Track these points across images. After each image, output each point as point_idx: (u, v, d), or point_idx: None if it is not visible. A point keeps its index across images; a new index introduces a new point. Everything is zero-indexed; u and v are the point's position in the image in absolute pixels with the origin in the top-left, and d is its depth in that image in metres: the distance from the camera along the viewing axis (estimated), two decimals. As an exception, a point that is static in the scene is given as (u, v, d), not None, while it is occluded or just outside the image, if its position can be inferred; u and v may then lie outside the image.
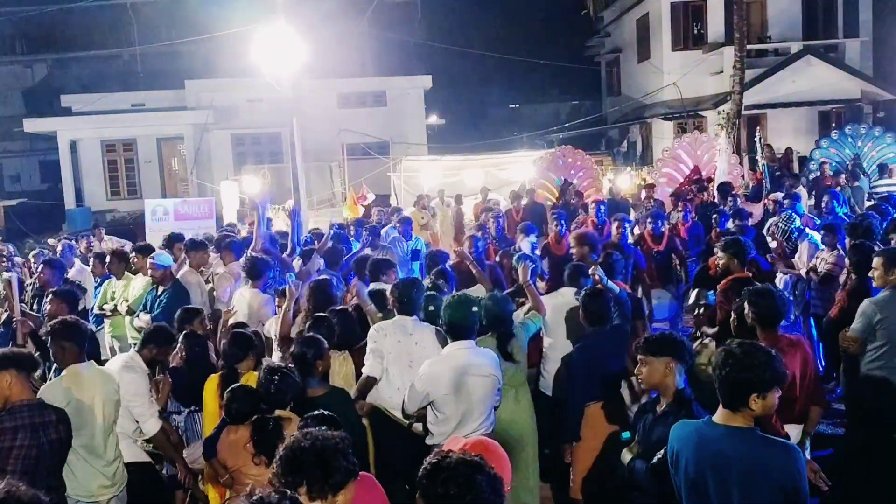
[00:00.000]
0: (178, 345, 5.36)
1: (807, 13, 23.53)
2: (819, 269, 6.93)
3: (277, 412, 3.94)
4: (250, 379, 4.47)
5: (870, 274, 5.09)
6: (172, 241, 8.54)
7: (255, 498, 2.27)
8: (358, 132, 23.06)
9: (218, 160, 23.86)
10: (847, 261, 6.00)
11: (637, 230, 9.43)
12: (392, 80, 25.36)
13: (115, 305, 7.62)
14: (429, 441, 4.30)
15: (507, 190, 16.08)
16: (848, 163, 14.62)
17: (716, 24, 23.66)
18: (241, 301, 6.72)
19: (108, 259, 8.28)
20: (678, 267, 8.80)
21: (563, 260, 8.51)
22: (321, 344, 4.40)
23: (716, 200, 12.00)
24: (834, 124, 21.40)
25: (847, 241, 6.65)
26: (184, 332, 5.49)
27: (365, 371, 4.81)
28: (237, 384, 4.31)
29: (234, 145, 24.62)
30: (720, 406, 3.07)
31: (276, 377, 3.98)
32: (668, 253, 8.62)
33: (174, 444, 4.94)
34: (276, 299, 6.44)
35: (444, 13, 33.22)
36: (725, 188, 11.99)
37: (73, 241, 10.77)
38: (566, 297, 5.52)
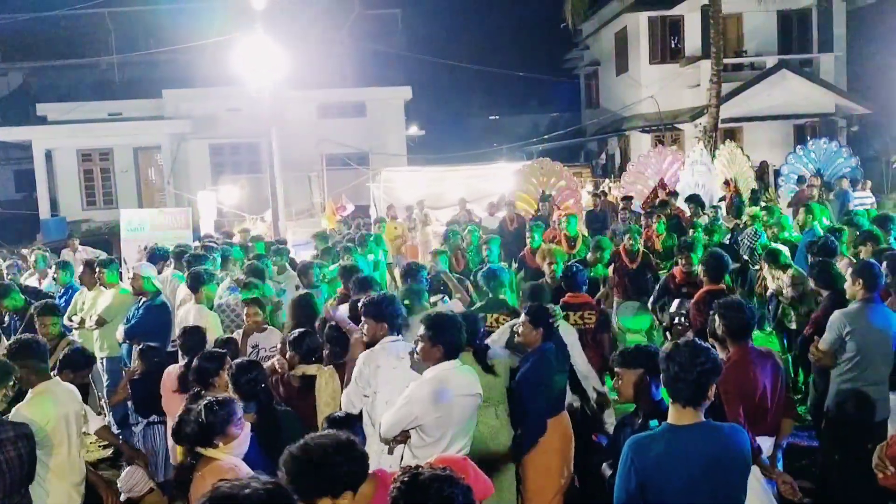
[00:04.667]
0: (136, 358, 5.32)
1: (782, 28, 23.89)
2: (784, 293, 6.99)
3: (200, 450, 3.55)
4: None
5: (845, 286, 5.13)
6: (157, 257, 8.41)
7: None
8: (338, 143, 23.02)
9: (195, 170, 23.69)
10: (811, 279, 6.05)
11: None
12: (372, 90, 25.35)
13: (83, 318, 7.53)
14: (412, 464, 4.16)
15: (486, 201, 16.10)
16: (818, 177, 14.81)
17: (693, 38, 23.94)
18: (187, 319, 6.50)
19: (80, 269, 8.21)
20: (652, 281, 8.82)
21: (539, 273, 8.54)
22: (259, 367, 4.35)
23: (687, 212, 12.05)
24: (809, 137, 21.70)
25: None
26: (141, 346, 5.43)
27: (343, 405, 4.51)
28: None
29: (212, 155, 24.46)
30: (681, 407, 3.09)
31: (212, 407, 3.54)
32: (642, 269, 8.66)
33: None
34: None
35: (424, 24, 33.37)
36: (696, 199, 12.07)
37: (47, 253, 10.59)
38: None
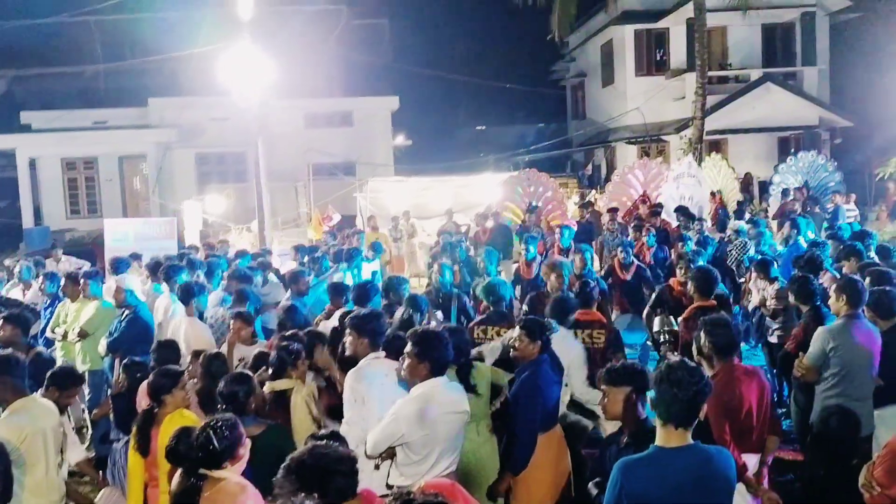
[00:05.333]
0: (119, 372, 5.24)
1: (766, 42, 24.13)
2: (768, 304, 7.04)
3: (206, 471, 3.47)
4: (175, 418, 4.29)
5: (829, 302, 5.16)
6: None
7: None
8: (324, 152, 22.96)
9: (181, 179, 23.57)
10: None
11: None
12: (359, 100, 25.35)
13: (66, 331, 7.44)
14: (399, 482, 4.08)
15: (473, 211, 16.11)
16: (803, 190, 14.92)
17: (678, 51, 24.11)
18: (178, 332, 6.44)
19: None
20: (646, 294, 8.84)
21: (533, 286, 8.54)
22: (251, 380, 4.29)
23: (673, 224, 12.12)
24: (793, 150, 21.89)
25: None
26: (126, 361, 5.36)
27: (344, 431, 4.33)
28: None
29: (197, 164, 24.36)
30: (673, 428, 3.07)
31: (222, 431, 3.46)
32: (636, 281, 8.67)
33: None
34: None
35: (412, 35, 33.38)
36: (686, 211, 12.14)
37: (32, 264, 10.46)
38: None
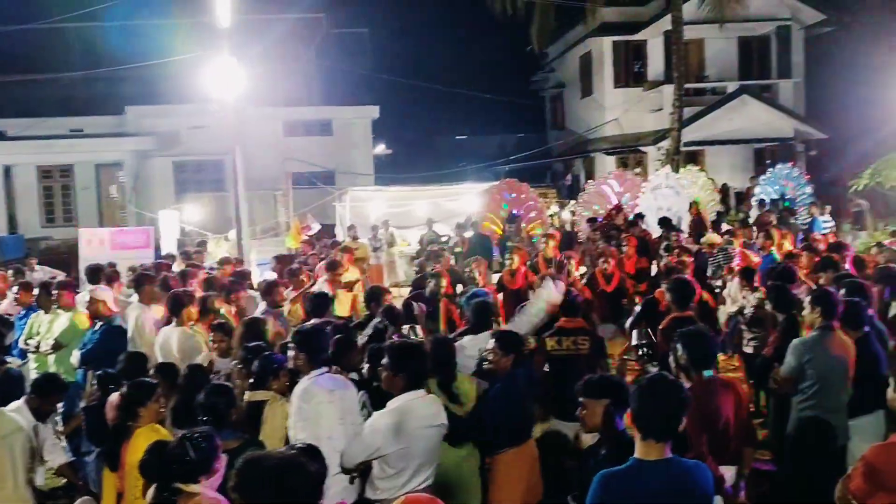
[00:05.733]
0: (92, 384, 5.16)
1: (742, 54, 24.43)
2: (745, 313, 7.10)
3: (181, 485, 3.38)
4: (147, 432, 4.24)
5: (803, 314, 5.20)
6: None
7: None
8: (303, 161, 22.87)
9: (158, 188, 23.37)
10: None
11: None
12: (339, 109, 25.31)
13: (39, 342, 7.32)
14: (373, 496, 4.05)
15: (453, 221, 16.14)
16: (779, 202, 15.12)
17: (656, 63, 24.35)
18: (168, 343, 6.32)
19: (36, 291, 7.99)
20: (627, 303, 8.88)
21: (517, 295, 8.53)
22: (232, 391, 4.24)
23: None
24: (769, 161, 22.16)
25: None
26: (99, 373, 5.26)
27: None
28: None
29: (175, 172, 24.16)
30: (653, 442, 3.07)
31: (198, 443, 3.40)
32: (618, 292, 8.70)
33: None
34: None
35: (392, 44, 33.40)
36: (668, 222, 12.23)
37: (9, 273, 10.29)
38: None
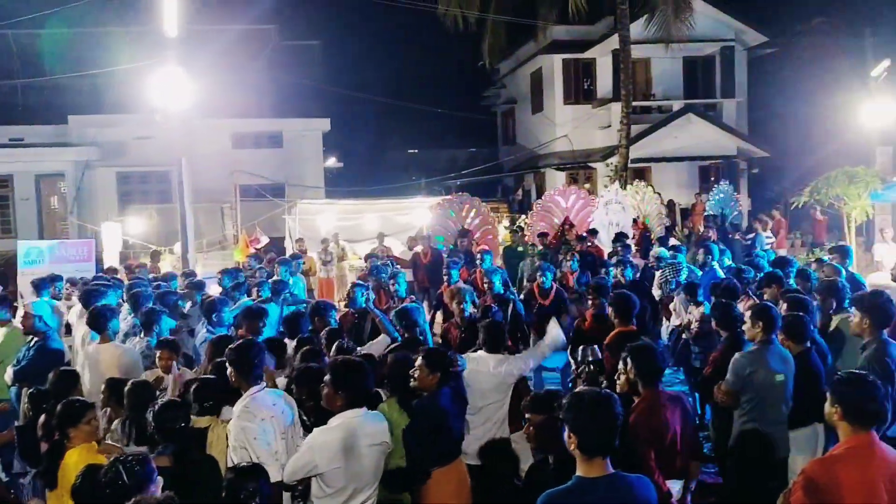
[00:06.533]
0: (25, 403, 4.97)
1: (687, 74, 25.01)
2: (692, 328, 7.21)
3: None
4: (81, 453, 4.09)
5: (745, 328, 5.28)
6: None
7: None
8: (252, 173, 22.59)
9: (101, 199, 22.80)
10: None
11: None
12: (289, 121, 25.09)
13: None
14: None
15: (404, 235, 16.08)
16: (718, 218, 15.45)
17: (604, 80, 24.77)
18: (93, 361, 6.08)
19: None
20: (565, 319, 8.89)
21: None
22: (188, 408, 4.16)
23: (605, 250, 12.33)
24: (713, 178, 22.70)
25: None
26: (31, 390, 5.08)
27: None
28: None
29: (119, 184, 23.60)
30: (589, 458, 3.06)
31: (132, 466, 3.30)
32: (555, 306, 8.71)
33: None
34: None
35: (344, 57, 33.31)
36: (622, 238, 12.35)
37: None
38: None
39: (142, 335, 6.63)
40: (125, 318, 7.37)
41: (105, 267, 13.80)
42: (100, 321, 6.20)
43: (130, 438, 4.79)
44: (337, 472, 3.88)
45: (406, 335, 6.06)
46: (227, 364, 4.46)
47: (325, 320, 6.41)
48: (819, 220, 16.19)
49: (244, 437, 4.13)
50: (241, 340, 4.73)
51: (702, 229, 14.76)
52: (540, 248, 13.00)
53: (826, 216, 16.63)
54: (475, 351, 5.47)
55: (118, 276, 10.98)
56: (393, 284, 8.62)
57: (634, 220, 14.71)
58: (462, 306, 6.83)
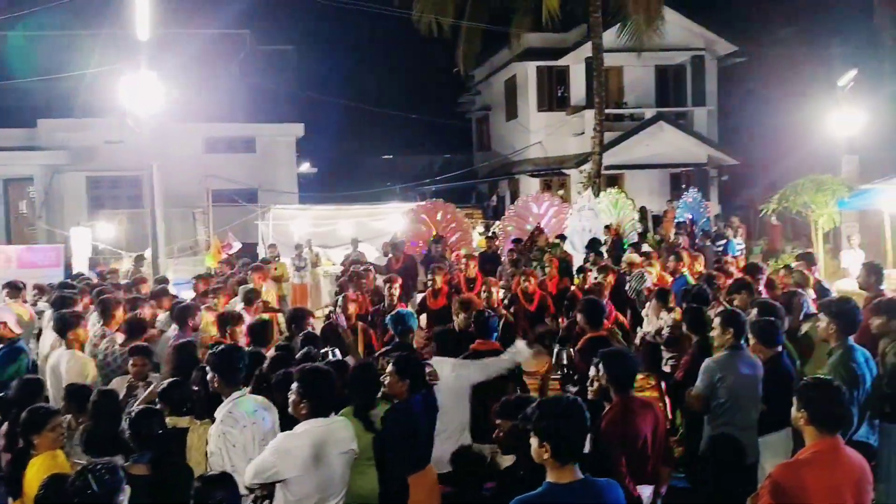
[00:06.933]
0: None
1: (659, 82, 25.32)
2: (663, 333, 7.28)
3: None
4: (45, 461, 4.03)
5: (714, 334, 5.34)
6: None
7: None
8: (225, 178, 22.40)
9: (71, 204, 22.47)
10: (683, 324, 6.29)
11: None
12: (262, 126, 24.94)
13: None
14: None
15: (379, 241, 16.06)
16: (688, 225, 15.61)
17: (577, 88, 24.98)
18: (58, 367, 5.99)
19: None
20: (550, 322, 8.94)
21: (438, 315, 8.49)
22: (162, 415, 4.10)
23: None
24: (684, 186, 22.95)
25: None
26: None
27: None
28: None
29: (89, 188, 23.28)
30: (561, 465, 3.07)
31: (101, 475, 3.23)
32: (540, 310, 8.77)
33: None
34: None
35: (318, 62, 33.26)
36: (595, 245, 12.42)
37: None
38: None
39: (110, 340, 6.53)
40: (94, 325, 7.27)
41: (74, 272, 13.60)
42: (65, 327, 6.12)
43: (89, 447, 4.72)
44: (302, 479, 3.84)
45: (399, 340, 6.04)
46: (208, 369, 4.45)
47: (302, 327, 6.36)
48: (774, 226, 16.39)
49: (223, 442, 4.11)
50: (223, 346, 4.69)
51: (672, 236, 14.92)
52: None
53: (780, 223, 16.85)
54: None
55: (90, 282, 10.80)
56: (390, 289, 8.52)
57: (608, 227, 14.81)
58: (464, 316, 6.55)
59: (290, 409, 4.04)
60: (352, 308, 7.43)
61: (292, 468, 3.82)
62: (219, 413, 4.27)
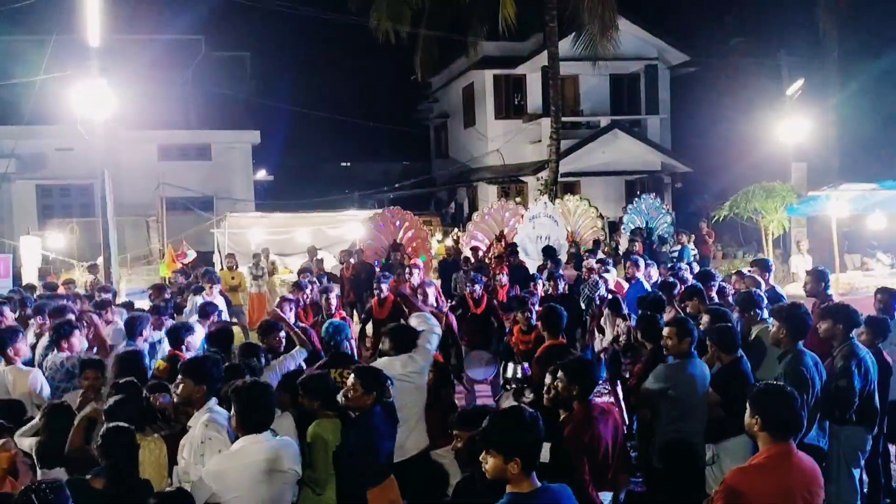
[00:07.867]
0: None
1: (614, 91, 25.70)
2: (620, 341, 7.38)
3: None
4: None
5: (667, 343, 5.41)
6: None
7: None
8: (179, 186, 22.07)
9: (20, 213, 21.94)
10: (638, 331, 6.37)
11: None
12: (217, 133, 24.65)
13: None
14: None
15: (336, 249, 15.95)
16: (643, 231, 15.80)
17: (534, 96, 25.22)
18: (3, 382, 5.83)
19: None
20: (497, 328, 8.96)
21: (384, 324, 8.43)
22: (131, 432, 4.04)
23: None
24: (639, 192, 23.29)
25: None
26: None
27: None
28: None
29: (39, 197, 22.77)
30: (521, 473, 3.08)
31: (45, 495, 3.14)
32: (487, 316, 8.77)
33: None
34: None
35: (274, 69, 33.02)
36: (551, 252, 12.50)
37: None
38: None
39: (56, 353, 6.33)
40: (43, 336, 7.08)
41: (23, 283, 13.22)
42: (2, 343, 5.95)
43: (42, 461, 4.60)
44: (237, 501, 3.75)
45: (334, 350, 5.99)
46: (181, 376, 4.38)
47: (271, 340, 6.28)
48: (706, 232, 16.68)
49: (206, 449, 4.03)
50: (196, 356, 4.63)
51: (627, 243, 15.10)
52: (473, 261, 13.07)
53: (713, 229, 17.18)
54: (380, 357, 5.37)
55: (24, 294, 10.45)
56: (327, 300, 8.48)
57: (568, 234, 14.95)
58: None
59: (232, 427, 3.97)
60: (290, 315, 7.27)
61: (228, 490, 3.74)
62: (196, 421, 4.19)
